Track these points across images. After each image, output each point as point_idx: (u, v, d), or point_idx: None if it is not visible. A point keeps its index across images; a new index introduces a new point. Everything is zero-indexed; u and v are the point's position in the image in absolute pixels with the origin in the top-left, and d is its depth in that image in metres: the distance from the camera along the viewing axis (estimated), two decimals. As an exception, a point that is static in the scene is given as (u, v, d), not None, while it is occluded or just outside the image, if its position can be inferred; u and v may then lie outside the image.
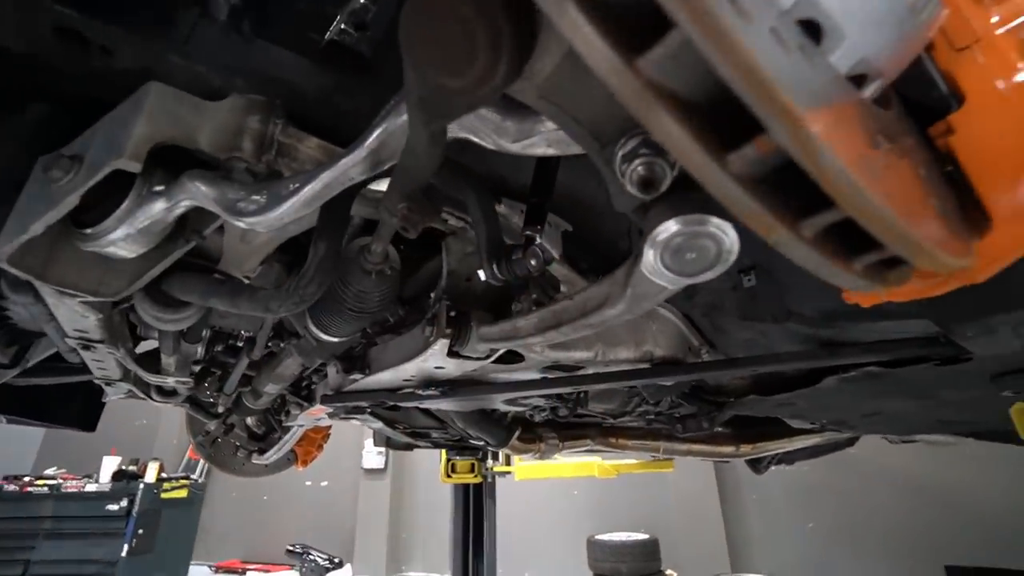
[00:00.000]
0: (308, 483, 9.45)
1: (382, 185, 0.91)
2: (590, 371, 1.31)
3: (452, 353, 0.99)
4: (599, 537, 6.55)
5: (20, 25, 0.79)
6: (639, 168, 0.41)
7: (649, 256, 0.48)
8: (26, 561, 5.59)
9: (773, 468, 3.38)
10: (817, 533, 6.66)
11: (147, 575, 5.89)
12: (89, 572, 5.61)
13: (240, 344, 1.62)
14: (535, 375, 1.30)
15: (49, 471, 6.81)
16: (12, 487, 6.05)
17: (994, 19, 0.53)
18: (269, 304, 0.80)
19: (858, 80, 0.40)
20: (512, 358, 1.15)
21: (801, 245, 0.32)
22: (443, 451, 3.58)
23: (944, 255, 0.36)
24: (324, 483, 9.41)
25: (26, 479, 6.28)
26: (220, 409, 1.93)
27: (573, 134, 0.47)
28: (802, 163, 0.26)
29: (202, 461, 9.06)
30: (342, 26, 0.81)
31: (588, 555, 6.60)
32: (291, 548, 9.19)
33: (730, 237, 0.46)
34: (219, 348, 1.62)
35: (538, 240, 0.82)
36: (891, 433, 2.23)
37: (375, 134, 0.62)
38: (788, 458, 3.32)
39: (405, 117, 0.61)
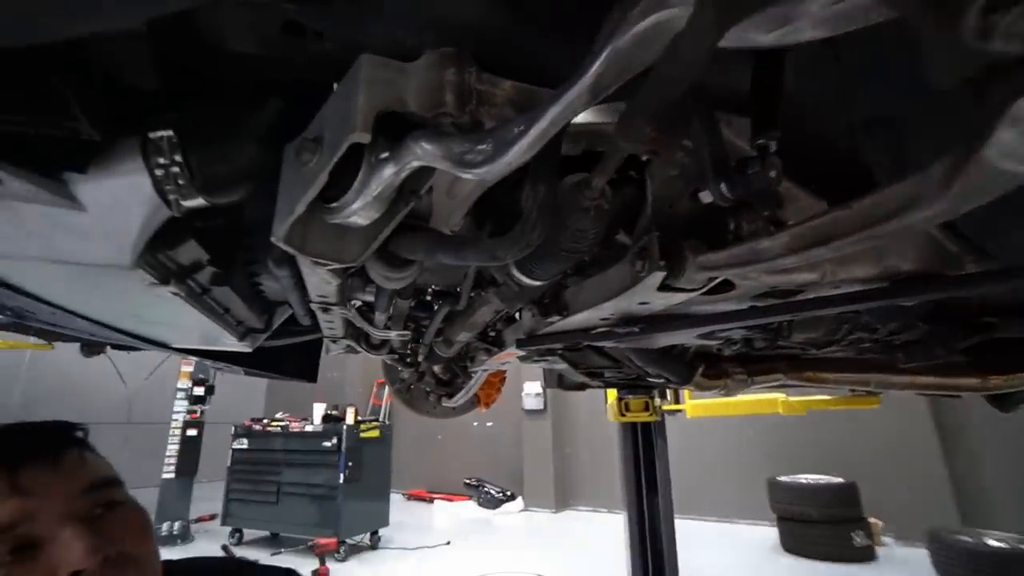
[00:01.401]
0: (475, 424, 10.58)
1: (583, 117, 0.89)
2: (811, 296, 1.20)
3: (664, 287, 0.97)
4: (783, 479, 6.25)
5: (254, 29, 0.92)
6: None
7: (1005, 137, 0.40)
8: (278, 482, 7.37)
9: (1024, 405, 2.83)
10: (1085, 481, 5.50)
11: (360, 498, 7.29)
12: (319, 493, 7.14)
13: (429, 298, 1.81)
14: (743, 304, 1.23)
15: (278, 415, 8.63)
16: (257, 427, 7.88)
17: None
18: (495, 252, 0.85)
19: None
20: (722, 287, 1.09)
21: None
22: (611, 391, 3.67)
23: None
24: (489, 424, 10.45)
25: (264, 421, 8.12)
26: (418, 359, 2.21)
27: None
28: None
29: (385, 405, 10.60)
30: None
31: (770, 497, 6.38)
32: (468, 481, 10.53)
33: None
34: (413, 303, 1.83)
35: (773, 148, 0.75)
36: None
37: (600, 59, 0.60)
38: (1049, 392, 2.74)
39: (635, 29, 0.57)
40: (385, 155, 0.86)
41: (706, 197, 0.77)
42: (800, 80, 1.05)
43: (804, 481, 6.09)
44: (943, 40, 0.40)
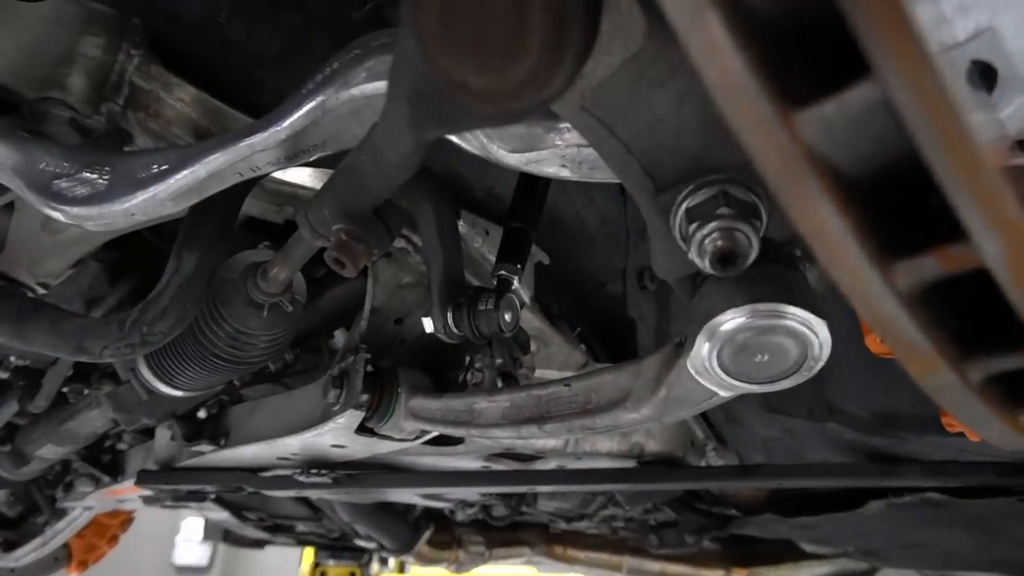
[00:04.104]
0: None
1: (291, 173, 0.85)
2: (552, 464, 1.30)
3: (364, 429, 0.94)
4: None
5: None
6: (716, 236, 0.40)
7: (702, 350, 0.48)
8: None
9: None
10: None
11: None
12: None
13: (4, 375, 1.45)
14: (475, 463, 1.26)
15: None
16: None
17: None
18: (85, 342, 0.71)
19: (1022, 145, 0.42)
20: (449, 439, 1.11)
21: (967, 394, 0.31)
22: (307, 549, 3.40)
23: None
24: (108, 583, 8.66)
25: None
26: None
27: (617, 166, 0.46)
28: (1015, 299, 0.26)
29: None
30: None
31: None
32: None
33: (820, 338, 0.46)
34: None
35: (515, 284, 0.80)
36: (931, 569, 2.38)
37: (305, 108, 0.58)
38: (788, 586, 3.47)
39: (354, 91, 0.57)
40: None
41: (428, 325, 0.78)
42: (580, 209, 1.22)
43: None
44: (662, 232, 0.47)
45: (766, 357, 0.47)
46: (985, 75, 0.35)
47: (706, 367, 0.48)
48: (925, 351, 0.29)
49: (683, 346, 0.51)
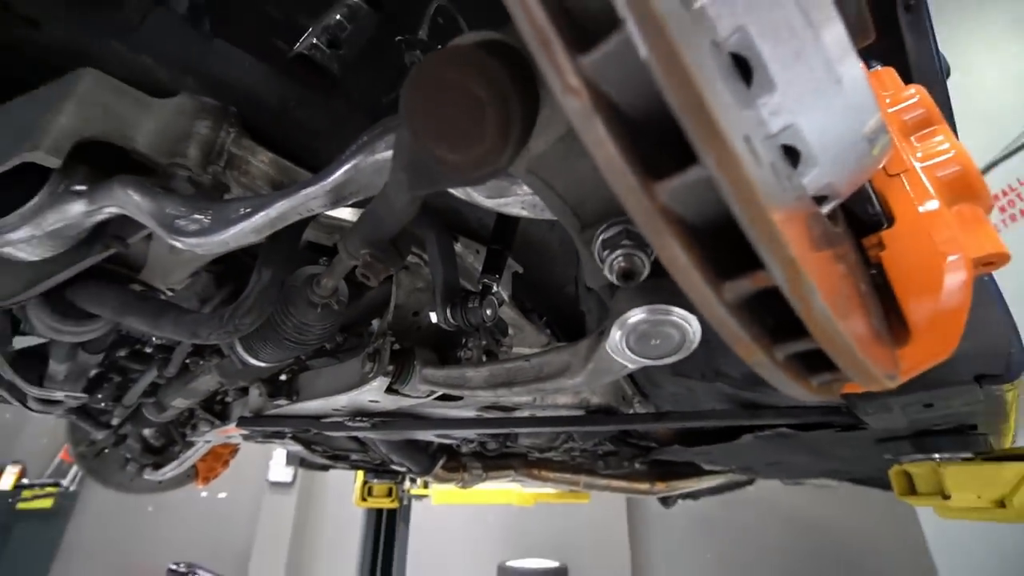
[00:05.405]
0: (204, 494, 8.55)
1: (338, 211, 0.86)
2: (526, 413, 1.31)
3: (391, 390, 0.94)
4: (510, 563, 6.49)
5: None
6: (620, 259, 0.42)
7: (615, 336, 0.49)
8: None
9: (680, 502, 3.55)
10: (714, 563, 7.00)
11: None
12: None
13: (149, 350, 1.45)
14: (471, 413, 1.27)
15: None
16: None
17: (918, 154, 0.61)
18: (197, 330, 0.71)
19: (819, 200, 0.43)
20: (451, 396, 1.12)
21: (775, 368, 0.32)
22: (359, 472, 3.40)
23: (886, 379, 0.38)
24: (222, 495, 8.57)
25: None
26: (114, 421, 1.70)
27: (556, 210, 0.47)
28: (796, 307, 0.27)
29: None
30: (314, 40, 0.78)
31: (496, 582, 6.51)
32: (174, 567, 8.20)
33: (693, 328, 0.48)
34: (122, 353, 1.43)
35: (495, 288, 0.81)
36: (787, 478, 2.42)
37: (344, 168, 0.59)
38: (695, 494, 3.49)
39: (378, 156, 0.58)
40: (80, 188, 0.68)
41: (433, 318, 0.79)
42: (545, 233, 1.23)
43: (527, 566, 6.44)
44: (586, 256, 0.48)
45: (658, 341, 0.48)
46: (791, 155, 0.36)
47: (618, 348, 0.49)
48: (745, 341, 0.31)
49: (604, 334, 0.52)
